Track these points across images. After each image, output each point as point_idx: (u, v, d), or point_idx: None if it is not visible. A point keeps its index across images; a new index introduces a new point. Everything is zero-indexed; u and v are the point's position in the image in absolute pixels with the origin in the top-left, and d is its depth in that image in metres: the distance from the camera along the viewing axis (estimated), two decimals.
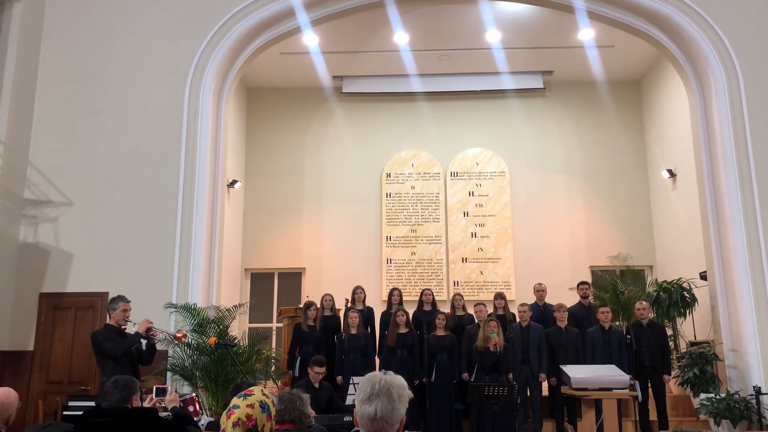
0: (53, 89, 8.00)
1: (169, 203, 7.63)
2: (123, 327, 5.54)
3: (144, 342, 5.43)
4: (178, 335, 5.57)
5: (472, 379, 7.15)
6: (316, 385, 6.23)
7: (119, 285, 7.01)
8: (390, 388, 2.01)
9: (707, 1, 8.02)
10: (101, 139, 7.87)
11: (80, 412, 3.97)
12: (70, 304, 7.47)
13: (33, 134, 7.84)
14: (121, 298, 5.59)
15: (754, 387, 6.91)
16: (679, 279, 8.67)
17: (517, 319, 7.74)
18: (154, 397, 4.36)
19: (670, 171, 10.21)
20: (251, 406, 2.46)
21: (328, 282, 10.45)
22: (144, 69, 8.04)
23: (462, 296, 8.39)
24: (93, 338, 5.42)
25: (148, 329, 5.43)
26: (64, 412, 6.00)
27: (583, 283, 8.37)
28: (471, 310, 8.04)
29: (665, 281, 8.80)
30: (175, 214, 7.59)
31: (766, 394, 6.90)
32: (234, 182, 10.45)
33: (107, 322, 5.59)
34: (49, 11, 8.20)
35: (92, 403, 5.00)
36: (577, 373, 6.46)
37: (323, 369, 6.32)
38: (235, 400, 2.48)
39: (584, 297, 8.17)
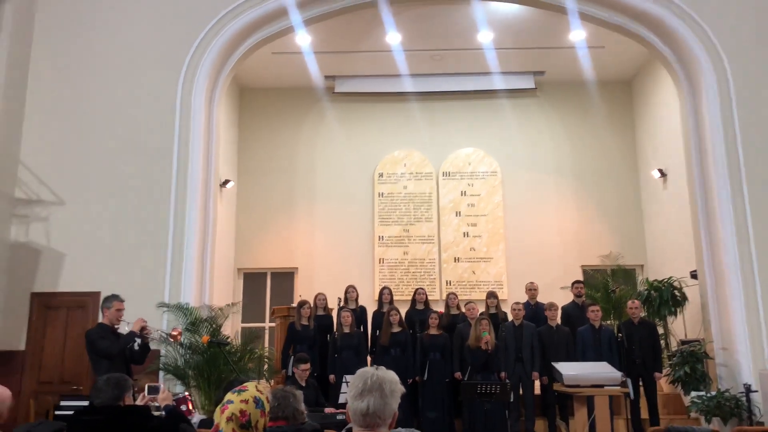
0: (44, 88, 7.96)
1: (162, 202, 7.61)
2: (116, 326, 5.51)
3: (137, 341, 5.40)
4: (174, 333, 5.55)
5: (465, 379, 7.17)
6: (303, 384, 6.25)
7: (111, 284, 6.98)
8: (382, 383, 2.02)
9: (698, 2, 8.08)
10: (93, 138, 7.83)
11: (72, 412, 3.95)
12: (61, 304, 7.43)
13: (24, 133, 7.80)
14: (115, 297, 5.58)
15: (744, 385, 6.96)
16: (670, 278, 8.72)
17: (510, 318, 7.77)
18: (146, 395, 4.35)
19: (660, 171, 10.27)
20: (245, 401, 2.47)
21: (320, 281, 10.44)
22: (136, 68, 8.01)
23: (456, 295, 8.43)
24: (87, 336, 5.37)
25: (143, 328, 5.40)
26: (56, 412, 5.95)
27: (577, 282, 8.43)
28: (463, 309, 8.07)
29: (656, 280, 8.86)
30: (168, 214, 7.57)
31: (756, 391, 6.95)
32: (227, 182, 10.42)
33: (100, 321, 5.56)
34: (41, 9, 8.15)
35: (85, 403, 4.98)
36: (569, 370, 6.48)
37: (308, 365, 6.37)
38: (229, 396, 2.48)
39: (578, 296, 8.21)
